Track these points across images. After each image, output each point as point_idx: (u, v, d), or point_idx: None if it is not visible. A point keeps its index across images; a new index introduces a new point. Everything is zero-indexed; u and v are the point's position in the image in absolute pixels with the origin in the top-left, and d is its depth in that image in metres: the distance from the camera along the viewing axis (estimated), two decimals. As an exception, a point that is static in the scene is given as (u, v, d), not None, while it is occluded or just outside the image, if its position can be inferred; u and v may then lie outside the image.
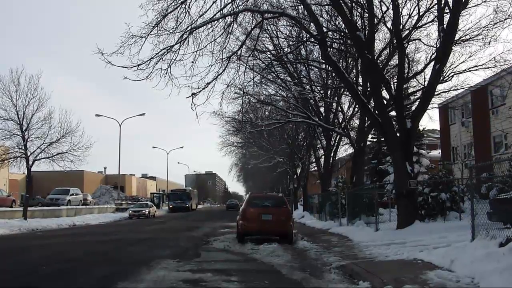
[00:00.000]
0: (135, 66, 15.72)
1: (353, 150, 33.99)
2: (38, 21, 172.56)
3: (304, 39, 24.92)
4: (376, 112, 18.94)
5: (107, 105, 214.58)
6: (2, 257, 15.26)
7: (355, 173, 29.29)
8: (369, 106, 19.95)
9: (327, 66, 30.49)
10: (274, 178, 67.03)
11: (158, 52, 15.97)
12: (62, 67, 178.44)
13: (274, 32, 28.43)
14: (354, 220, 24.78)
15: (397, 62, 27.97)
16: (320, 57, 32.44)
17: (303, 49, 31.38)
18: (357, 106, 31.31)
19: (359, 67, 27.88)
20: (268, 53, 28.09)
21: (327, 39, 21.08)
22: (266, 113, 43.98)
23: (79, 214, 40.75)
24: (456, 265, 9.49)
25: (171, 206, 67.29)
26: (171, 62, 16.22)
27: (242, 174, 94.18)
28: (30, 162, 30.21)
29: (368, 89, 25.83)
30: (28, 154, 29.95)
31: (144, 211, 47.08)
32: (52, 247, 18.03)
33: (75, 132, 31.24)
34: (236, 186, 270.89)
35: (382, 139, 42.98)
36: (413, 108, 24.33)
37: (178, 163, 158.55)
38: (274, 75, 33.02)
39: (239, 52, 18.23)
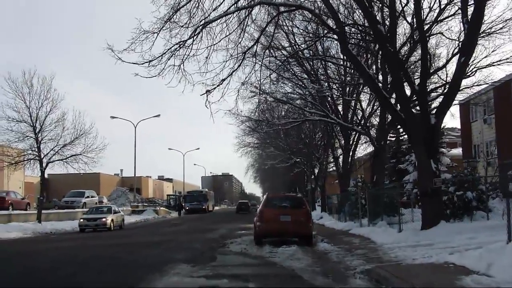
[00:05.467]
0: (146, 62, 15.15)
1: (372, 149, 33.18)
2: (44, 22, 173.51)
3: (322, 35, 24.08)
4: (399, 107, 18.11)
5: (122, 108, 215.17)
6: (10, 261, 14.77)
7: (375, 172, 28.43)
8: (391, 101, 19.10)
9: (345, 62, 29.76)
10: (291, 178, 66.24)
11: (171, 47, 15.39)
12: (75, 70, 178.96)
13: (290, 28, 27.76)
14: (375, 221, 23.96)
15: (417, 58, 27.25)
16: (338, 54, 31.85)
17: (319, 46, 30.59)
18: (377, 103, 30.52)
19: (379, 63, 27.04)
20: (284, 51, 27.38)
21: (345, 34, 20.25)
22: (283, 112, 43.38)
23: (95, 217, 40.12)
24: (494, 269, 8.68)
25: (187, 208, 66.75)
26: (184, 58, 15.64)
27: (258, 175, 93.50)
28: (44, 165, 29.90)
29: (389, 86, 25.03)
30: (42, 156, 29.63)
31: (103, 220, 30.38)
32: (63, 251, 17.59)
33: (88, 133, 30.88)
34: (252, 188, 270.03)
35: (401, 137, 42.24)
36: (433, 105, 23.52)
37: (195, 164, 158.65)
38: (290, 73, 32.37)
39: (254, 48, 17.57)
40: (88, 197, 45.60)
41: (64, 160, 30.50)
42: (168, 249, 17.22)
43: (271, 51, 23.63)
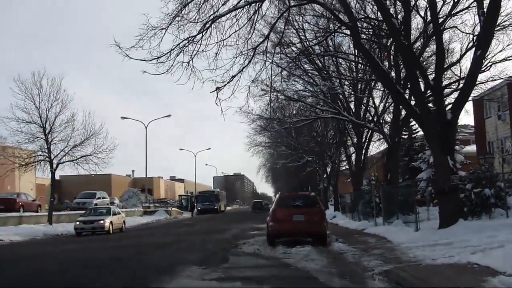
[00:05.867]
0: (154, 58, 14.80)
1: (385, 147, 32.64)
2: (51, 22, 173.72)
3: (333, 30, 23.53)
4: (413, 102, 17.60)
5: (132, 108, 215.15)
6: (17, 265, 14.47)
7: (389, 170, 27.89)
8: (405, 97, 18.58)
9: (357, 58, 29.25)
10: (303, 177, 65.74)
11: (179, 43, 15.01)
12: (83, 70, 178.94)
13: (300, 24, 27.30)
14: (390, 220, 23.48)
15: (430, 54, 26.72)
16: (350, 49, 31.34)
17: (330, 42, 30.09)
18: (389, 99, 30.00)
19: (391, 59, 26.51)
20: (294, 48, 26.95)
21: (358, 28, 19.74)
22: (294, 111, 42.95)
23: (106, 218, 40.00)
24: (521, 270, 8.24)
25: (199, 208, 66.49)
26: (193, 54, 15.24)
27: (270, 175, 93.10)
28: (54, 166, 29.72)
29: (402, 81, 24.52)
30: (52, 157, 29.45)
31: (101, 222, 27.72)
32: (72, 253, 17.35)
33: (98, 134, 30.65)
34: (264, 187, 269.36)
35: (414, 135, 41.66)
36: (447, 101, 22.98)
37: (206, 164, 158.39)
38: (301, 70, 31.90)
39: (264, 43, 17.14)
40: (99, 198, 45.38)
41: (74, 161, 30.31)
42: (179, 250, 16.91)
43: (282, 48, 23.18)
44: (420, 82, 18.84)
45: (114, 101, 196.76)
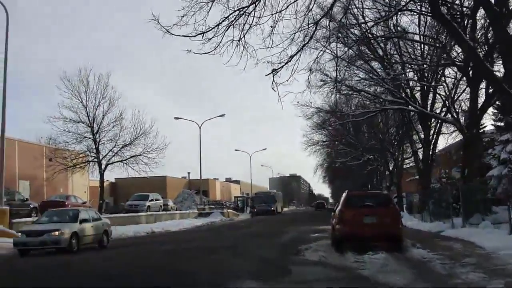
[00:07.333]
0: (199, 34, 12.68)
1: (450, 142, 29.58)
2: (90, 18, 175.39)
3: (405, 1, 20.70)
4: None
5: (186, 110, 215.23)
6: (51, 272, 12.74)
7: (467, 165, 24.89)
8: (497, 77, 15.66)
9: (424, 38, 26.28)
10: (363, 177, 62.98)
11: (228, 15, 12.86)
12: (133, 68, 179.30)
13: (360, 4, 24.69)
14: (471, 221, 20.70)
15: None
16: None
17: (392, 26, 27.23)
18: (462, 86, 27.02)
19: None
20: (356, 29, 24.29)
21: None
22: (352, 107, 40.55)
23: (159, 220, 38.81)
24: None
25: (254, 210, 64.70)
26: (245, 28, 13.02)
27: (327, 175, 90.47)
28: (103, 166, 28.43)
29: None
30: (100, 157, 28.18)
31: (56, 234, 17.67)
32: (114, 259, 15.59)
33: (148, 133, 29.16)
34: (320, 188, 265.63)
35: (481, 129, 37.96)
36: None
37: (262, 165, 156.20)
38: (362, 60, 29.35)
39: (330, 12, 14.72)
40: (152, 200, 44.04)
41: (123, 161, 28.93)
42: (231, 257, 14.74)
43: (344, 28, 20.77)
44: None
45: (167, 102, 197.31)
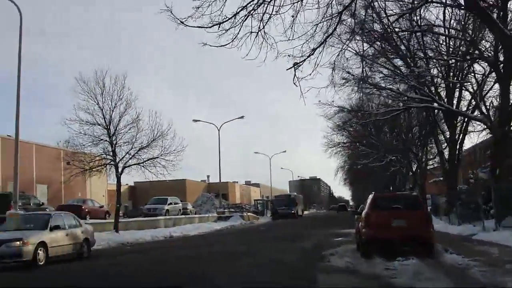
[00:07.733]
0: (216, 24, 11.93)
1: (475, 142, 28.28)
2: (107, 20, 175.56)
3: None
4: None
5: (204, 111, 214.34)
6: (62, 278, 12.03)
7: (498, 165, 23.67)
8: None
9: (449, 31, 25.17)
10: (386, 178, 61.69)
11: (246, 4, 12.05)
12: (150, 69, 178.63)
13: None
14: (504, 223, 19.60)
15: None
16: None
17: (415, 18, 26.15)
18: (490, 82, 25.83)
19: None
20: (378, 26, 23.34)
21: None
22: (374, 107, 39.49)
23: (178, 224, 38.13)
24: None
25: (277, 213, 63.73)
26: (264, 18, 12.21)
27: (348, 177, 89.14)
28: (120, 169, 27.77)
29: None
30: (117, 160, 27.53)
31: (17, 244, 14.22)
32: (128, 267, 14.80)
33: (166, 135, 28.41)
34: (341, 191, 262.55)
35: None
36: None
37: (282, 168, 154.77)
38: (385, 57, 28.36)
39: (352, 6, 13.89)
40: (170, 203, 43.39)
41: (140, 164, 28.22)
42: (250, 265, 13.76)
43: (365, 26, 19.87)
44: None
45: (185, 104, 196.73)
